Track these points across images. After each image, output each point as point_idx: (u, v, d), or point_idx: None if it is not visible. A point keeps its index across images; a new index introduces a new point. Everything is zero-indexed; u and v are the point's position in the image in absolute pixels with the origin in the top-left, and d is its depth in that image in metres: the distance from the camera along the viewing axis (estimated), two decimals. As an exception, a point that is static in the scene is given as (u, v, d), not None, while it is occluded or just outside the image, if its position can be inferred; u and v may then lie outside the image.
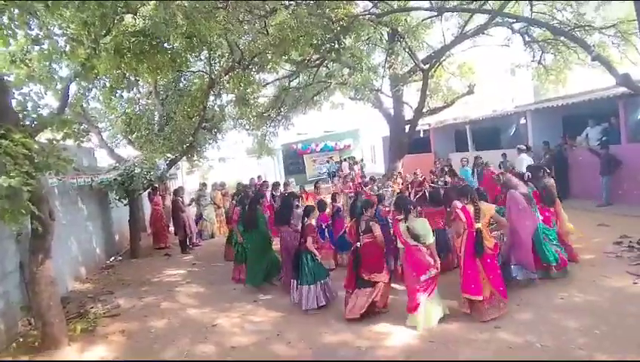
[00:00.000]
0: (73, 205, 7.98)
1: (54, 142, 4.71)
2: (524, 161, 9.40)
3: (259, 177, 13.04)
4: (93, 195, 8.91)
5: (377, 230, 4.97)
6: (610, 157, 9.34)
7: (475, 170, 10.48)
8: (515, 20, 10.31)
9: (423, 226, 4.69)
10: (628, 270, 5.49)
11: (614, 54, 10.28)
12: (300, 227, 5.71)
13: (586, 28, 10.14)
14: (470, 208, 4.66)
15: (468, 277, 4.56)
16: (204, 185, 12.11)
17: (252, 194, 7.87)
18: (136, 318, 5.62)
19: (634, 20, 7.72)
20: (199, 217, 11.24)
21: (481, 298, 4.49)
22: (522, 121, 13.19)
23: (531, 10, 10.29)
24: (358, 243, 4.98)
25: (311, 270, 5.37)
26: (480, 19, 11.16)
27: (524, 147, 10.37)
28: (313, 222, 5.70)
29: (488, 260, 4.59)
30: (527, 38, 11.23)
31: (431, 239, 4.66)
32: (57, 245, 6.71)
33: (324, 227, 7.22)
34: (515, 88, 20.13)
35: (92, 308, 5.90)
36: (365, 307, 4.83)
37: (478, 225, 4.53)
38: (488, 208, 4.79)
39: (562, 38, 9.96)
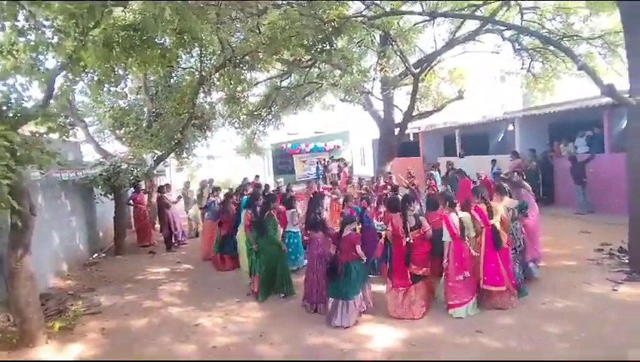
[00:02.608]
0: (56, 200, 7.83)
1: (38, 135, 4.62)
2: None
3: (256, 177, 12.54)
4: (78, 190, 8.75)
5: (427, 224, 5.03)
6: (578, 167, 9.53)
7: (448, 175, 10.67)
8: (505, 28, 10.44)
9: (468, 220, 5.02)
10: (608, 277, 5.60)
11: (601, 65, 10.50)
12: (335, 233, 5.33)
13: (574, 38, 10.36)
14: (483, 207, 5.04)
15: (491, 270, 4.91)
16: (188, 183, 12.00)
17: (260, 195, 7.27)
18: (117, 316, 5.53)
19: (620, 32, 7.88)
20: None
21: (504, 288, 4.88)
22: (510, 127, 13.38)
23: (521, 18, 10.45)
24: (409, 239, 4.94)
25: (352, 283, 4.93)
26: (471, 25, 11.31)
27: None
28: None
29: (504, 254, 4.99)
30: (516, 46, 11.40)
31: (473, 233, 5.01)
32: (38, 240, 6.57)
33: None
34: (504, 95, 20.41)
35: (72, 305, 5.77)
36: (429, 299, 5.02)
37: (493, 221, 4.92)
38: (500, 207, 5.13)
39: (551, 47, 10.11)
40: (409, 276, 4.97)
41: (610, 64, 10.47)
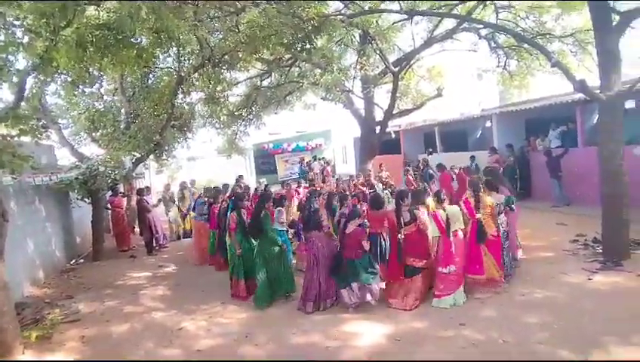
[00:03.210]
0: (30, 205, 7.57)
1: (9, 138, 4.45)
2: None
3: (240, 177, 12.35)
4: (53, 195, 8.48)
5: (422, 216, 5.08)
6: (554, 161, 9.83)
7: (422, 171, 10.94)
8: (481, 26, 10.66)
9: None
10: (583, 267, 5.80)
11: (572, 62, 10.82)
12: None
13: (547, 36, 10.64)
14: (471, 200, 5.30)
15: (472, 260, 5.20)
16: (168, 185, 11.79)
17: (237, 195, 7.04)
18: (97, 323, 5.39)
19: (590, 30, 8.15)
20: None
21: (483, 277, 5.19)
22: (488, 124, 13.67)
23: (497, 17, 10.69)
24: (401, 234, 5.05)
25: (350, 272, 5.04)
26: (448, 24, 11.50)
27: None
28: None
29: (493, 244, 5.29)
30: (492, 44, 11.64)
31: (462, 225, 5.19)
32: (12, 247, 6.34)
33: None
34: (481, 92, 20.84)
35: (49, 313, 5.61)
36: (424, 293, 5.07)
37: (479, 216, 5.19)
38: (489, 199, 5.44)
39: (525, 45, 10.38)
40: (403, 270, 5.08)
41: (581, 61, 10.80)
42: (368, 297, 5.03)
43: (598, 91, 6.06)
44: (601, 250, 6.23)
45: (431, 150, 15.49)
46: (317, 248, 5.36)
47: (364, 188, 8.53)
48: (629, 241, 6.09)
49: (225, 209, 7.31)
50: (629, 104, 10.85)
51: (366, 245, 5.05)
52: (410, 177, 9.82)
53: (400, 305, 5.03)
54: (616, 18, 6.16)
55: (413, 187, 8.98)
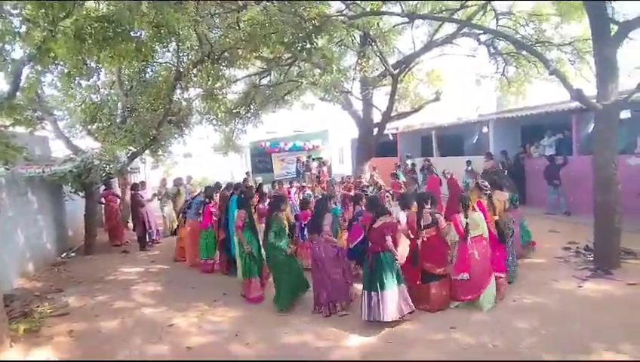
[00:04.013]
0: (22, 197, 7.50)
1: (3, 128, 4.41)
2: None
3: (247, 174, 12.11)
4: (46, 187, 8.40)
5: (443, 222, 5.02)
6: (553, 168, 9.85)
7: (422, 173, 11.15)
8: (481, 32, 10.71)
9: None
10: (574, 274, 5.83)
11: (570, 70, 10.88)
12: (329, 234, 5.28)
13: (546, 44, 10.71)
14: (485, 202, 5.35)
15: (494, 260, 5.19)
16: (164, 181, 11.73)
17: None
18: (87, 318, 5.34)
19: (589, 39, 8.20)
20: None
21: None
22: (485, 129, 13.73)
23: (497, 23, 10.74)
24: (421, 237, 4.97)
25: (393, 271, 4.73)
26: (449, 28, 11.54)
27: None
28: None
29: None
30: (492, 50, 11.69)
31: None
32: (2, 239, 6.32)
33: (303, 226, 6.63)
34: (479, 98, 20.89)
35: (38, 306, 5.56)
36: (442, 301, 4.97)
37: (496, 218, 5.31)
38: (500, 200, 5.65)
39: (524, 52, 10.43)
40: (420, 276, 5.01)
41: (578, 70, 10.87)
42: (370, 315, 4.68)
43: (595, 100, 6.10)
44: (592, 258, 6.27)
45: (409, 154, 15.68)
46: (316, 253, 5.27)
47: (351, 192, 8.55)
48: (620, 250, 6.13)
49: (226, 207, 7.18)
50: (625, 114, 10.95)
51: (389, 241, 4.82)
52: (397, 180, 9.85)
53: (422, 305, 4.93)
54: (614, 28, 6.21)
55: (400, 190, 9.02)
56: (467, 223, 4.98)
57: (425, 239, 4.99)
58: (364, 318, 4.65)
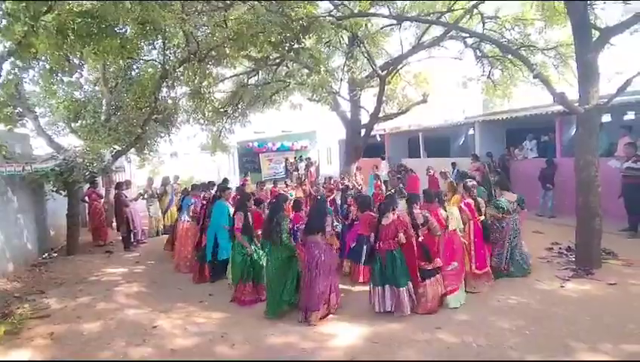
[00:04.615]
0: (1, 196, 7.30)
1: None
2: None
3: (246, 176, 11.79)
4: (26, 186, 8.19)
5: (433, 219, 5.11)
6: (549, 171, 9.97)
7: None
8: (468, 35, 10.84)
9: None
10: (557, 274, 5.94)
11: (554, 74, 11.10)
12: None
13: (530, 48, 10.89)
14: (471, 202, 5.64)
15: (481, 257, 5.59)
16: (151, 179, 11.56)
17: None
18: (68, 320, 5.22)
19: (571, 45, 8.37)
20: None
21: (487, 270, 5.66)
22: (471, 131, 13.91)
23: (483, 27, 10.89)
24: (420, 237, 5.06)
25: (390, 271, 4.89)
26: (436, 31, 11.65)
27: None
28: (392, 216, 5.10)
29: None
30: (478, 53, 11.84)
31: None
32: (-21, 239, 6.13)
33: (296, 228, 6.35)
34: (465, 100, 21.18)
35: (18, 308, 5.42)
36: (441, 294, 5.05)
37: (482, 217, 5.66)
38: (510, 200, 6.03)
39: (509, 56, 10.60)
40: (418, 273, 5.08)
41: (562, 74, 11.10)
42: (403, 308, 4.85)
43: (577, 104, 6.23)
44: (574, 259, 6.40)
45: (383, 155, 15.94)
46: (313, 255, 5.06)
47: (332, 193, 8.60)
48: (601, 251, 6.27)
49: (209, 208, 7.02)
50: (606, 118, 11.22)
51: (402, 237, 4.91)
52: (379, 182, 9.91)
53: (420, 310, 4.96)
54: (596, 34, 6.36)
55: (380, 191, 9.10)
56: (447, 216, 5.30)
57: (422, 238, 5.08)
58: (379, 310, 4.89)
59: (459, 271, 5.21)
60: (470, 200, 5.71)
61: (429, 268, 5.04)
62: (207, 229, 6.90)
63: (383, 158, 15.50)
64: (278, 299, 5.20)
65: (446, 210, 5.43)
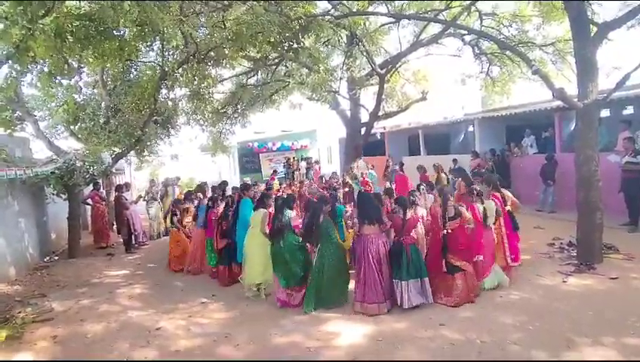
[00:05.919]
0: (2, 200, 7.30)
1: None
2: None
3: (255, 182, 11.57)
4: (27, 189, 8.19)
5: (467, 214, 5.12)
6: (550, 167, 9.97)
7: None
8: (466, 32, 10.84)
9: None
10: (559, 269, 5.95)
11: (552, 70, 11.11)
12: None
13: (529, 44, 10.91)
14: (499, 195, 5.86)
15: (514, 248, 5.78)
16: (153, 181, 11.57)
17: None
18: (71, 323, 5.23)
19: (569, 40, 8.38)
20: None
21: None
22: (470, 128, 13.91)
23: (481, 24, 10.89)
24: (445, 231, 5.11)
25: (415, 264, 4.99)
26: (434, 29, 11.64)
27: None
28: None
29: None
30: (476, 50, 11.85)
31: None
32: (-20, 243, 6.13)
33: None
34: (464, 97, 21.17)
35: (20, 312, 5.41)
36: (466, 294, 5.05)
37: (508, 208, 5.90)
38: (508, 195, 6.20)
39: (508, 52, 10.60)
40: (445, 266, 5.13)
41: (560, 70, 11.11)
42: (422, 299, 4.99)
43: (576, 99, 6.23)
44: (575, 254, 6.41)
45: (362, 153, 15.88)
46: (366, 246, 5.10)
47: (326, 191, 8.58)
48: (602, 245, 6.28)
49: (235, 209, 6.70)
50: (605, 113, 11.23)
51: (416, 233, 5.14)
52: (367, 179, 9.95)
53: (443, 301, 5.08)
54: (594, 29, 6.36)
55: (370, 189, 9.12)
56: (484, 210, 5.40)
57: (449, 231, 5.13)
58: (409, 306, 4.89)
59: (487, 264, 5.32)
60: (498, 194, 5.87)
61: (456, 264, 5.08)
62: (227, 231, 6.62)
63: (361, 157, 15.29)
64: (318, 296, 5.21)
65: (483, 204, 5.48)
